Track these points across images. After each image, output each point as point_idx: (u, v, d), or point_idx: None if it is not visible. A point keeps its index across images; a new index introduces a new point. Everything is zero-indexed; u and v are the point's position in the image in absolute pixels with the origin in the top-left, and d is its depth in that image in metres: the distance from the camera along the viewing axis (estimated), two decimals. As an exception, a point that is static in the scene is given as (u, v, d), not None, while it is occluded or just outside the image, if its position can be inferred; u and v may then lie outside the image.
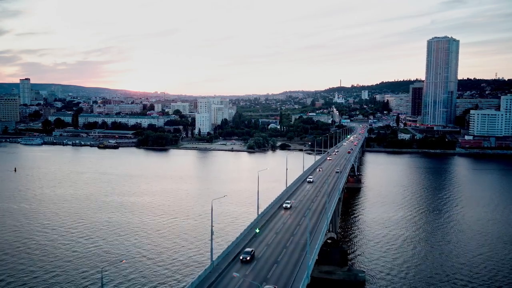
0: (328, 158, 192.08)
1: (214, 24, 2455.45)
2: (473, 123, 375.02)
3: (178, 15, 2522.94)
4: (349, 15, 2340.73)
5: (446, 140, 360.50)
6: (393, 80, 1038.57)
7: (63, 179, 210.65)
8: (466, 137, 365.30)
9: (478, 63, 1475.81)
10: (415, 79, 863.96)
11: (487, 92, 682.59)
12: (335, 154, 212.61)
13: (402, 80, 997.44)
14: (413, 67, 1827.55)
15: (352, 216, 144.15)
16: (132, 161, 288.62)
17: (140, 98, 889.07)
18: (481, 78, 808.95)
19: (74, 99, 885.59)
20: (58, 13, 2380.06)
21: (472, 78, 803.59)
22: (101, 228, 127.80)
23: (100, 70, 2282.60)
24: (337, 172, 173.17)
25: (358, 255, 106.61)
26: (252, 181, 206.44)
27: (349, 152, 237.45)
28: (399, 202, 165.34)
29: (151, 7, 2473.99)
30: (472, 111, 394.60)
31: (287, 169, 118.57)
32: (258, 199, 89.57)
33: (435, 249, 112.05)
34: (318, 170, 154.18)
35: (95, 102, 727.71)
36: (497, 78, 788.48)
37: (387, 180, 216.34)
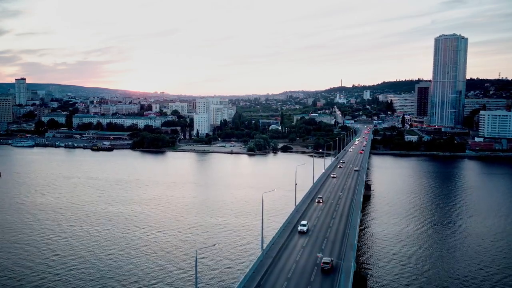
0: (332, 175, 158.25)
1: (214, 24, 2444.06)
2: (483, 124, 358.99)
3: (178, 15, 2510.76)
4: (349, 15, 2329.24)
5: (455, 142, 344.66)
6: (395, 80, 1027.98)
7: (48, 185, 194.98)
8: (476, 139, 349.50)
9: (479, 63, 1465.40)
10: (417, 79, 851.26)
11: (491, 92, 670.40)
12: (340, 167, 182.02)
13: (404, 80, 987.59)
14: (414, 67, 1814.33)
15: (362, 230, 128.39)
16: (126, 164, 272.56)
17: (139, 98, 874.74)
18: (484, 78, 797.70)
19: (72, 99, 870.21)
20: (58, 13, 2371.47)
21: (475, 78, 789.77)
22: (78, 244, 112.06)
23: (100, 70, 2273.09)
24: (356, 170, 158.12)
25: (376, 280, 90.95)
26: (252, 187, 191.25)
27: (360, 152, 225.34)
28: (409, 212, 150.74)
29: (151, 7, 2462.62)
30: (482, 112, 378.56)
31: (296, 184, 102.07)
32: (262, 231, 74.26)
33: (456, 270, 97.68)
34: (316, 201, 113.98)
35: (92, 102, 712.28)
36: (500, 78, 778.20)
37: (395, 186, 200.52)
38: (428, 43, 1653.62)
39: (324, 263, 66.09)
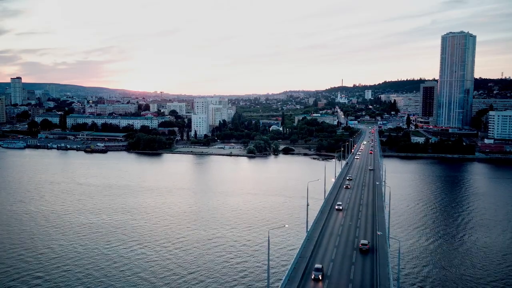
0: (337, 205, 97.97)
1: (214, 24, 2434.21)
2: (493, 125, 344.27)
3: (178, 15, 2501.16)
4: (350, 15, 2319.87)
5: (464, 144, 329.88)
6: (396, 80, 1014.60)
7: (31, 192, 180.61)
8: (486, 141, 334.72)
9: (481, 63, 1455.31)
10: (419, 78, 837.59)
11: (495, 92, 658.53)
12: (346, 187, 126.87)
13: (405, 79, 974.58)
14: (415, 67, 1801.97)
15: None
16: (119, 168, 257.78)
17: (137, 98, 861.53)
18: (487, 78, 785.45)
19: (69, 99, 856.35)
20: (58, 13, 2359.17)
21: (477, 77, 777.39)
22: (54, 260, 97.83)
23: (100, 70, 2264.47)
24: (370, 169, 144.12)
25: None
26: (251, 194, 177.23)
27: (371, 152, 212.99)
28: (418, 222, 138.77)
29: (152, 7, 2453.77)
30: (490, 112, 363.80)
31: (308, 205, 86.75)
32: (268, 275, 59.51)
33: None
34: (313, 278, 57.72)
35: (88, 102, 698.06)
36: (503, 77, 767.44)
37: (404, 193, 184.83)
38: (429, 43, 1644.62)
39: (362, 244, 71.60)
